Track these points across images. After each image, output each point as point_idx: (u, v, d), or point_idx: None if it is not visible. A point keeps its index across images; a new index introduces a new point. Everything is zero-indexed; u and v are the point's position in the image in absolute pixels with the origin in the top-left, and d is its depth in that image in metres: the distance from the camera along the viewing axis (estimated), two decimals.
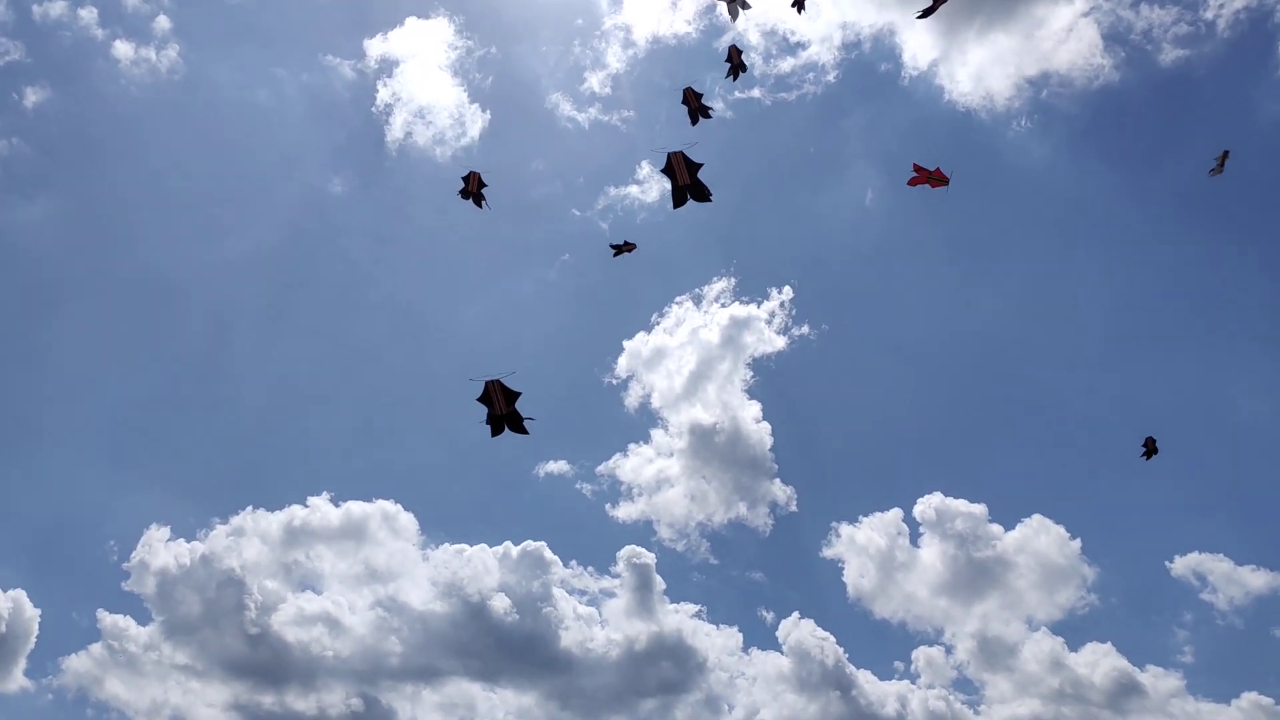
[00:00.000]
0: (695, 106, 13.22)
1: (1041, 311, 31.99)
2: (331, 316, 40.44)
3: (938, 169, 13.13)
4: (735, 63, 12.79)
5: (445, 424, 37.64)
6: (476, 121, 35.09)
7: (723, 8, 12.77)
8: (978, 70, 30.05)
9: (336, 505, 39.60)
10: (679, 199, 9.86)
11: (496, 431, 9.97)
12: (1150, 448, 14.38)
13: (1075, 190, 32.47)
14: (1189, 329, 29.55)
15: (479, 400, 9.99)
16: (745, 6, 12.67)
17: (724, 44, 27.69)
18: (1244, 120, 28.87)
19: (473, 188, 12.25)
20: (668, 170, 9.81)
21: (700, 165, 9.54)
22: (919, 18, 12.18)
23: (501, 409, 9.86)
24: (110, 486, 41.50)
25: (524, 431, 9.86)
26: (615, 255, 14.86)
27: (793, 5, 13.43)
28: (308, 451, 42.23)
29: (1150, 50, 27.93)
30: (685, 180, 9.77)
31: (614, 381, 35.53)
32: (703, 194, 9.78)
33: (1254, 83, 28.43)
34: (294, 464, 42.59)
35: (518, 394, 9.57)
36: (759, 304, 33.56)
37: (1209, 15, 26.24)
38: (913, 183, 13.40)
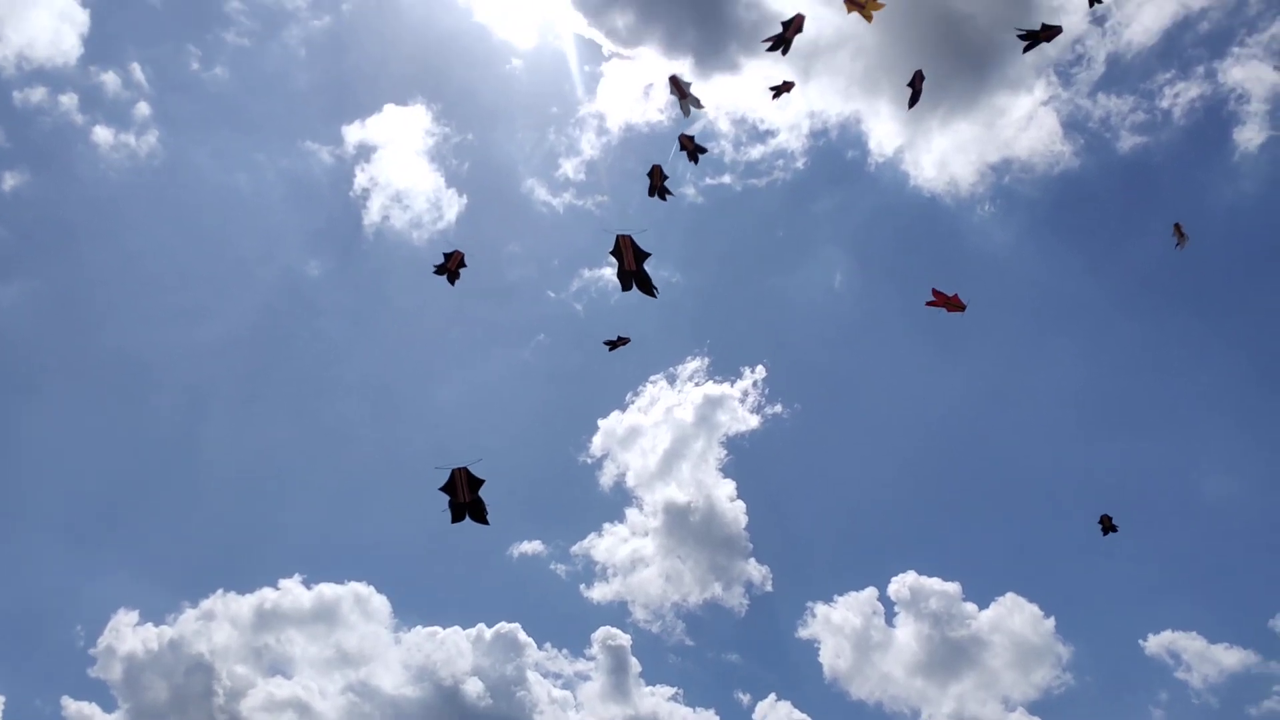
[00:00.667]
0: (658, 185, 13.66)
1: (1010, 391, 32.61)
2: (306, 397, 40.51)
3: (955, 295, 13.73)
4: (689, 149, 13.30)
5: (419, 505, 37.55)
6: (453, 205, 35.69)
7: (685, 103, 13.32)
8: (941, 157, 30.94)
9: (308, 588, 39.20)
10: (625, 283, 10.11)
11: (456, 519, 10.05)
12: (1106, 525, 14.70)
13: (1039, 272, 33.28)
14: (1155, 408, 30.18)
15: (443, 489, 10.06)
16: (698, 106, 13.20)
17: (693, 134, 28.41)
18: (1201, 204, 29.85)
19: (452, 266, 12.55)
20: (615, 252, 10.03)
21: (648, 255, 9.74)
22: (909, 107, 12.76)
23: (464, 497, 9.95)
24: (79, 570, 40.98)
25: (484, 521, 9.95)
26: (611, 350, 15.18)
27: (773, 96, 14.01)
28: (280, 533, 41.92)
29: (1108, 138, 28.96)
30: (631, 266, 9.96)
31: (588, 460, 35.65)
32: (647, 285, 9.93)
33: (1210, 168, 29.47)
34: (266, 546, 42.24)
35: (482, 481, 9.67)
36: (732, 383, 34.01)
37: (1164, 104, 27.27)
38: (930, 304, 14.02)
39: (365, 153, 41.27)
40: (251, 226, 44.26)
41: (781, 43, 11.66)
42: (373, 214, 39.99)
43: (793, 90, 13.67)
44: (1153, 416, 29.96)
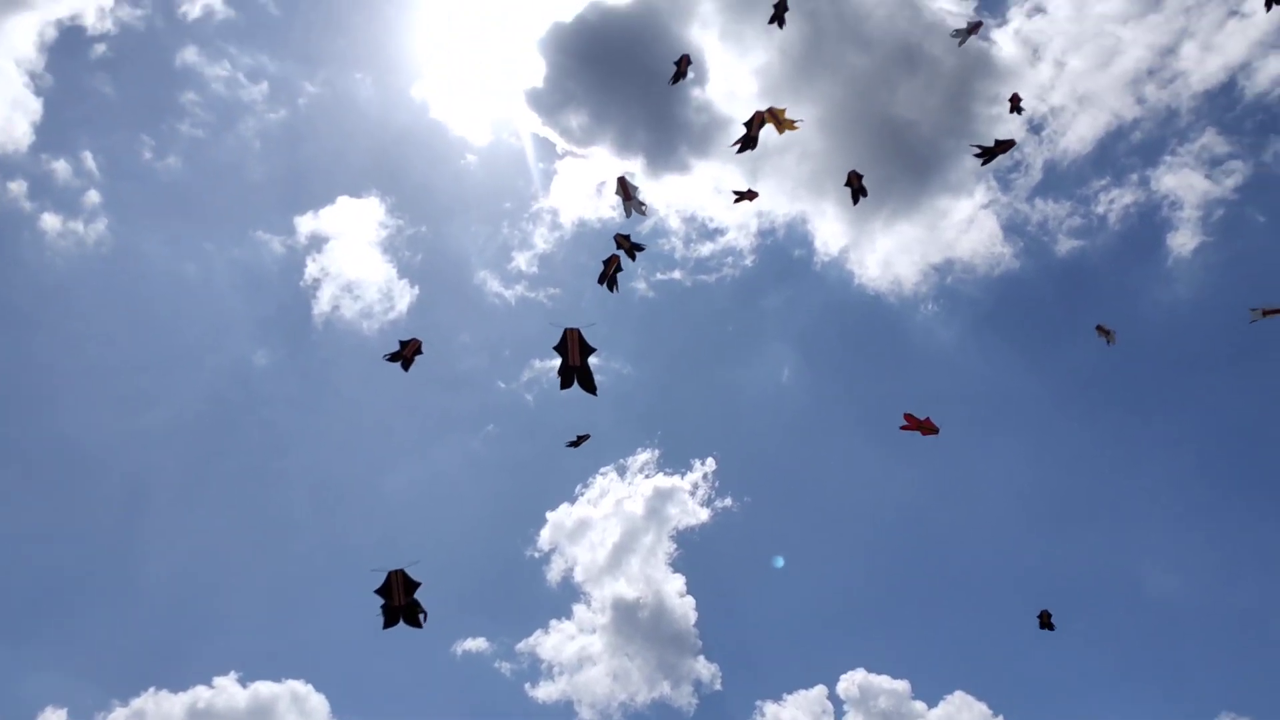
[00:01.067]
0: (610, 274, 13.83)
1: (955, 487, 32.98)
2: (249, 488, 39.78)
3: (928, 419, 14.17)
4: (625, 248, 13.55)
5: (361, 600, 36.67)
6: (405, 296, 35.76)
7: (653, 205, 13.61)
8: (885, 257, 31.70)
9: (244, 686, 37.90)
10: (566, 380, 9.92)
11: (389, 623, 9.81)
12: (1045, 621, 14.84)
13: (981, 370, 33.98)
14: (1096, 506, 30.64)
15: (378, 591, 9.80)
16: (640, 211, 13.51)
17: (646, 229, 28.83)
18: (1137, 307, 30.80)
19: (408, 353, 12.45)
20: (560, 347, 9.86)
21: (593, 350, 9.60)
22: (854, 203, 13.20)
23: (399, 601, 9.74)
24: (6, 667, 39.39)
25: (417, 625, 9.74)
26: (573, 447, 15.15)
27: (734, 202, 14.40)
28: (216, 629, 40.68)
29: (1047, 241, 29.90)
30: (575, 361, 9.78)
31: (536, 555, 35.27)
32: (588, 382, 9.81)
33: (1145, 272, 30.49)
34: (201, 642, 40.92)
35: (418, 584, 9.49)
36: (683, 474, 34.01)
37: (1100, 210, 28.27)
38: (904, 429, 14.43)
39: (317, 243, 41.29)
40: (199, 315, 43.90)
41: (749, 141, 11.99)
42: (323, 304, 39.82)
43: (755, 199, 14.09)
44: (1095, 514, 30.38)
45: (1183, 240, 27.96)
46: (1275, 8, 12.38)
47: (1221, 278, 29.35)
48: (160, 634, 42.04)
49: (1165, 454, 30.70)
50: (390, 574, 9.71)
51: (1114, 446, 31.05)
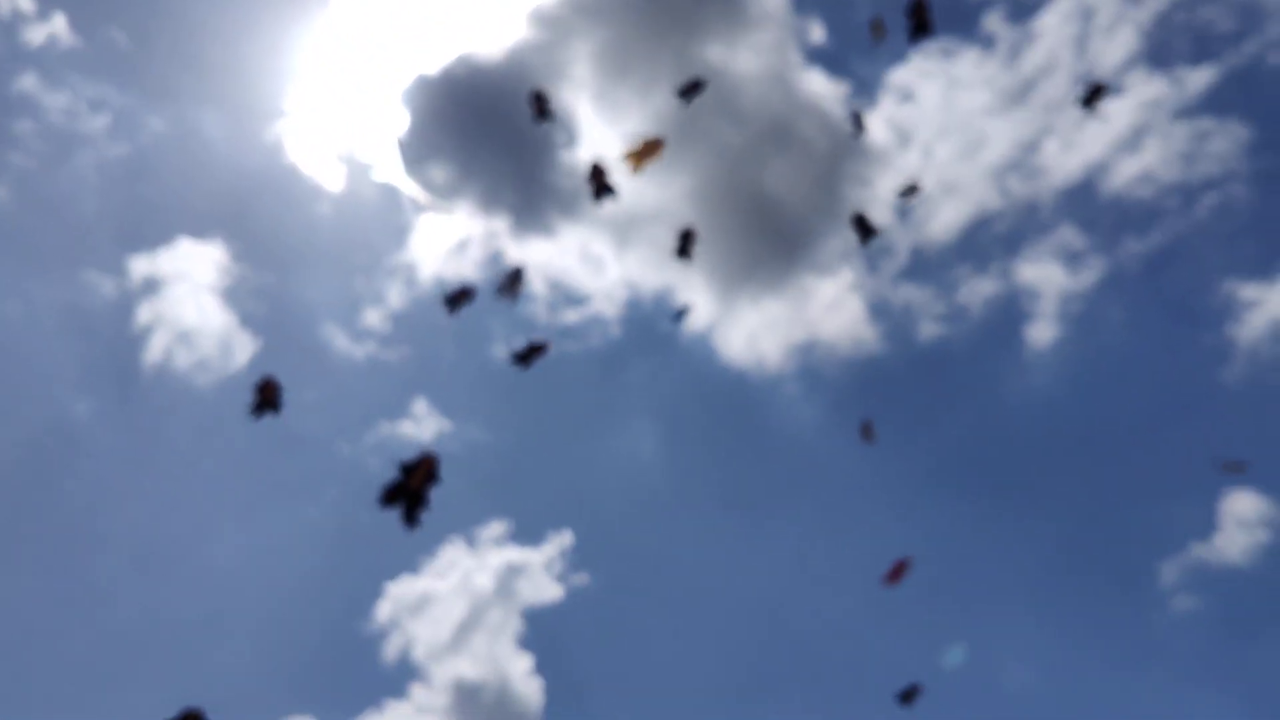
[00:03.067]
0: (527, 357, 12.74)
1: (811, 572, 32.84)
2: (59, 552, 36.68)
3: (904, 562, 14.06)
4: (513, 285, 12.64)
5: (182, 668, 34.09)
6: (246, 349, 33.83)
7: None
8: (750, 334, 31.66)
9: None
10: (392, 498, 8.46)
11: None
12: (907, 697, 14.44)
13: (840, 451, 34.13)
14: (954, 594, 30.86)
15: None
16: (512, 298, 12.68)
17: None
18: (995, 396, 31.49)
19: (268, 396, 10.90)
20: (409, 468, 8.28)
21: (438, 482, 8.28)
22: (678, 255, 12.81)
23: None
24: None
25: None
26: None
27: (679, 254, 13.77)
28: (23, 699, 37.09)
29: (909, 326, 30.35)
30: (417, 486, 8.38)
31: (373, 629, 33.36)
32: (415, 511, 8.44)
33: (1003, 361, 31.23)
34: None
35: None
36: (536, 547, 32.83)
37: (961, 299, 28.83)
38: (891, 578, 14.22)
39: (152, 286, 38.87)
40: (14, 358, 40.76)
41: (602, 188, 11.24)
42: (154, 352, 37.38)
43: (611, 193, 13.48)
44: (949, 602, 30.57)
45: (1040, 333, 28.74)
46: (1094, 108, 12.63)
47: (1076, 371, 30.28)
48: None
49: (1019, 544, 31.21)
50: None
51: (969, 535, 31.41)
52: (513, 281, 12.47)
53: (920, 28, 11.42)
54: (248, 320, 37.10)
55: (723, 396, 37.09)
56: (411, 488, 7.80)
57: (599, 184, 11.87)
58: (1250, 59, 29.42)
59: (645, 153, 11.83)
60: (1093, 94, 12.89)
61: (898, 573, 13.82)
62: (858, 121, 13.68)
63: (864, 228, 12.43)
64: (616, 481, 37.22)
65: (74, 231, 38.03)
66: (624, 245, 31.55)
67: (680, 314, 13.89)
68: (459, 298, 12.51)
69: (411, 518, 7.89)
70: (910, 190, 14.24)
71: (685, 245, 12.47)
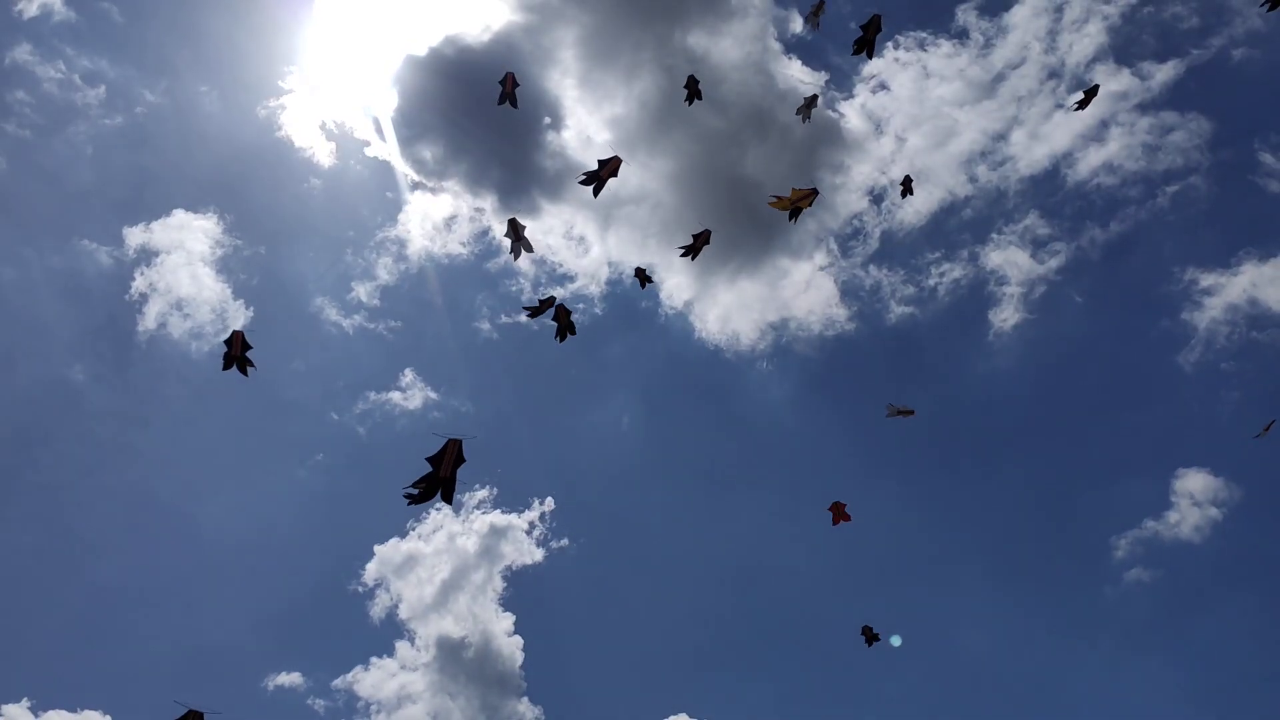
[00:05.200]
0: (538, 311, 13.55)
1: (781, 540, 33.91)
2: (56, 505, 37.45)
3: (842, 511, 15.11)
4: (516, 236, 13.24)
5: (172, 624, 34.95)
6: (238, 318, 34.57)
7: (506, 243, 13.43)
8: (725, 312, 32.60)
9: (36, 715, 35.40)
10: (430, 492, 8.98)
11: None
12: (869, 636, 15.62)
13: (810, 425, 35.17)
14: (913, 563, 32.00)
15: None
16: (529, 249, 13.43)
17: (494, 270, 28.87)
18: (960, 375, 32.51)
19: (235, 351, 11.50)
20: (436, 457, 8.75)
21: (465, 461, 8.73)
22: (682, 255, 13.54)
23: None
24: None
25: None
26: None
27: (642, 285, 14.60)
28: (9, 652, 37.92)
29: (879, 307, 31.31)
30: (447, 473, 8.93)
31: (360, 589, 34.35)
32: (449, 493, 9.03)
33: (969, 343, 32.21)
34: None
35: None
36: (520, 513, 33.81)
37: (931, 282, 29.81)
38: (836, 514, 15.28)
39: (146, 257, 39.53)
40: (12, 322, 41.40)
41: (596, 180, 12.05)
42: (149, 320, 38.10)
43: (651, 280, 14.31)
44: (911, 571, 31.72)
45: (1005, 316, 29.69)
46: (1088, 107, 13.40)
47: (1039, 353, 31.27)
48: None
49: (979, 516, 32.28)
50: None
51: (931, 507, 32.48)
52: (516, 236, 13.12)
53: (864, 44, 12.20)
54: (240, 290, 37.61)
55: (699, 372, 38.02)
56: (443, 475, 8.53)
57: (601, 175, 12.54)
58: (1214, 56, 30.27)
59: (799, 200, 12.63)
60: (1086, 96, 13.79)
61: (838, 513, 14.81)
62: (809, 105, 14.46)
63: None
64: (597, 451, 38.11)
65: (70, 201, 38.37)
66: (607, 226, 32.35)
67: (643, 276, 14.64)
68: (542, 307, 13.18)
69: (449, 498, 8.75)
70: (906, 187, 15.08)
71: (695, 247, 13.22)
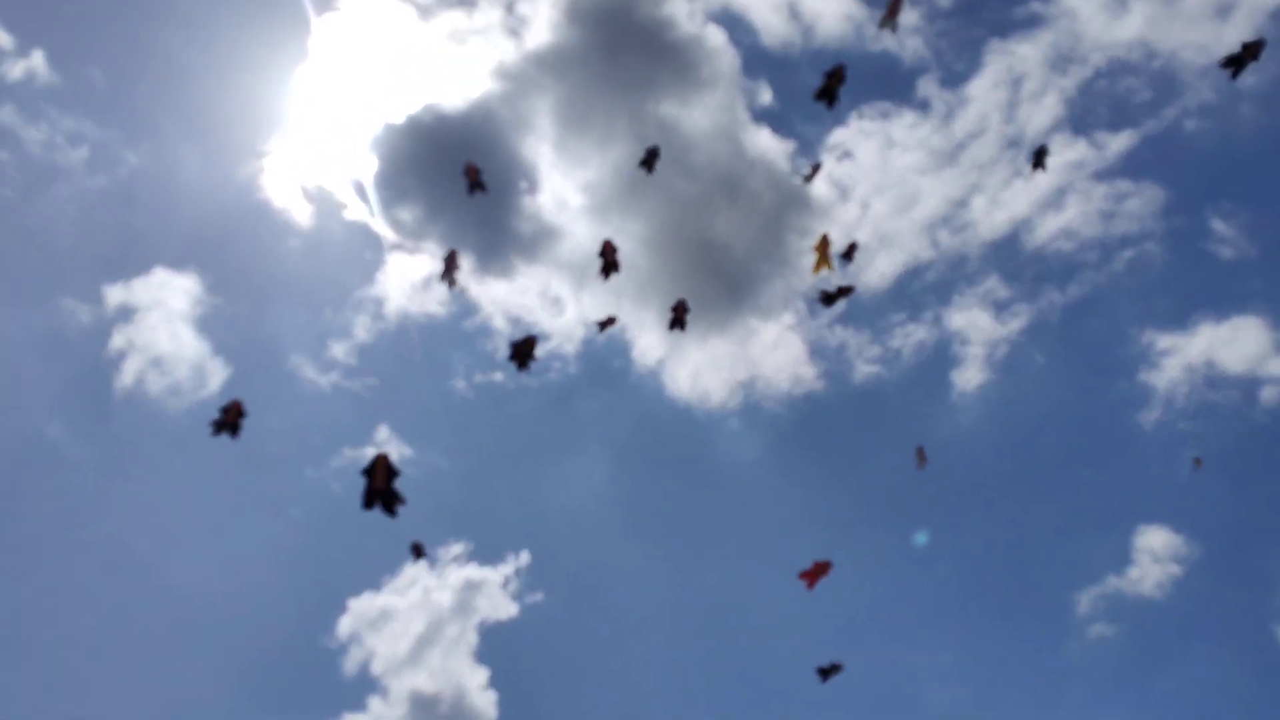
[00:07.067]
0: (521, 352, 13.49)
1: (752, 595, 34.23)
2: (35, 567, 37.31)
3: (820, 568, 15.13)
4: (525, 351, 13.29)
5: (144, 680, 34.76)
6: (218, 376, 34.91)
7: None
8: (696, 370, 33.31)
9: None
10: (370, 500, 9.49)
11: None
12: (826, 672, 15.85)
13: (779, 482, 35.74)
14: (880, 619, 32.35)
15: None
16: (452, 283, 13.61)
17: (471, 330, 29.42)
18: (924, 435, 33.18)
19: (231, 417, 11.82)
20: (369, 470, 9.37)
21: (399, 474, 9.30)
22: (669, 329, 13.85)
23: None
24: None
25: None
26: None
27: (600, 329, 14.51)
28: None
29: (845, 367, 32.07)
30: (381, 485, 9.44)
31: (332, 644, 34.27)
32: (391, 503, 9.55)
33: (932, 402, 32.96)
34: None
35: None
36: (495, 566, 33.97)
37: (895, 344, 30.64)
38: (808, 578, 15.22)
39: (126, 314, 39.84)
40: None
41: (519, 356, 12.60)
42: (126, 377, 38.31)
43: (615, 323, 14.45)
44: (881, 626, 32.08)
45: (968, 377, 30.45)
46: (1042, 170, 14.11)
47: (1001, 412, 31.96)
48: None
49: (943, 573, 32.71)
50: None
51: (896, 563, 32.89)
52: (525, 349, 13.44)
53: (827, 92, 12.82)
54: (220, 348, 37.94)
55: (671, 429, 38.56)
56: (379, 487, 9.02)
57: (608, 260, 13.01)
58: (1166, 126, 31.52)
59: (817, 572, 13.22)
60: (1039, 156, 14.52)
61: (816, 574, 15.06)
62: (813, 172, 15.12)
63: (829, 296, 13.83)
64: (572, 506, 38.43)
65: (51, 259, 38.72)
66: (581, 286, 33.02)
67: (603, 324, 14.97)
68: (526, 349, 13.34)
69: (391, 510, 9.21)
70: (849, 251, 15.77)
71: (679, 317, 13.79)
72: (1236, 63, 12.07)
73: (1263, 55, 12.18)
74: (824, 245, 13.50)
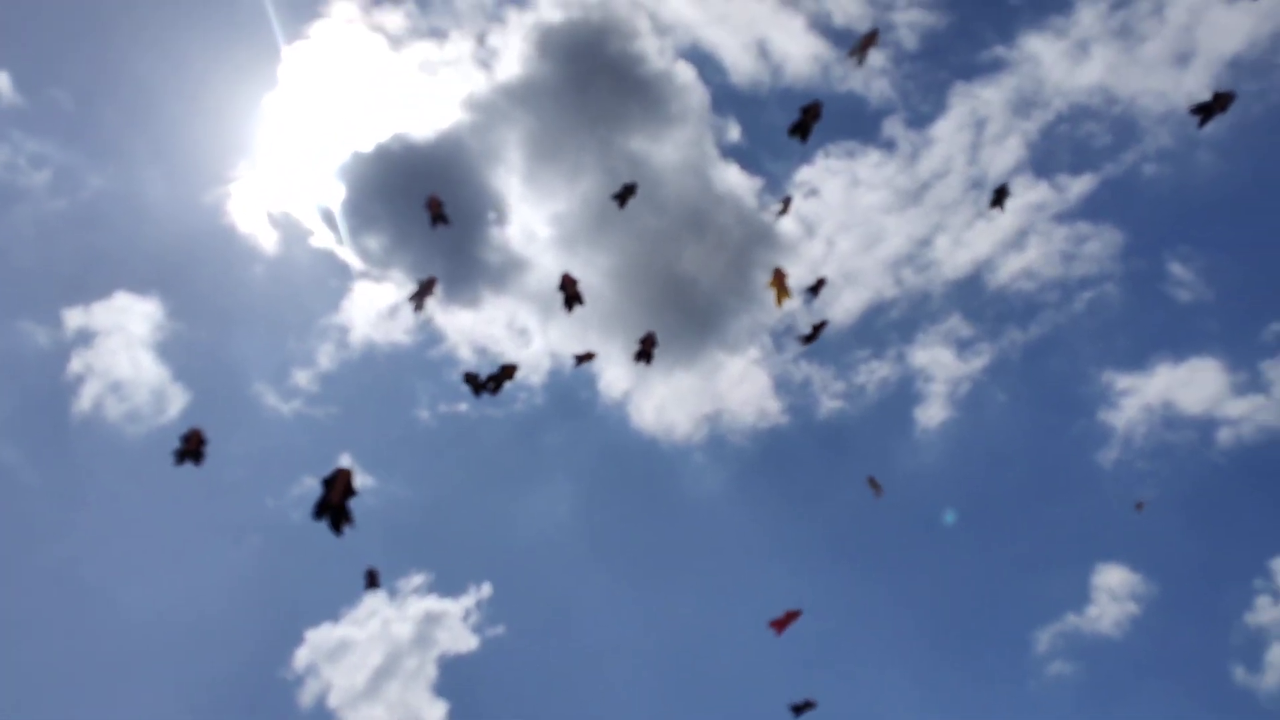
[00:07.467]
0: (498, 381, 13.25)
1: (713, 624, 34.21)
2: None
3: (791, 615, 14.94)
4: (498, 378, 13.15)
5: (96, 710, 34.12)
6: (177, 402, 34.51)
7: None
8: (661, 403, 33.40)
9: None
10: (321, 511, 9.33)
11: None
12: (798, 709, 15.75)
13: (742, 515, 35.85)
14: (844, 654, 32.40)
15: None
16: (419, 309, 13.51)
17: (437, 359, 29.35)
18: (885, 469, 33.40)
19: (193, 445, 11.62)
20: (328, 482, 9.24)
21: (356, 494, 9.13)
22: (635, 361, 13.87)
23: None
24: None
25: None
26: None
27: (576, 364, 14.40)
28: None
29: (810, 402, 32.29)
30: (336, 499, 9.27)
31: (289, 676, 33.78)
32: (340, 523, 9.37)
33: (895, 438, 33.25)
34: None
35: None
36: (456, 598, 33.67)
37: (860, 380, 30.90)
38: (778, 625, 15.01)
39: (85, 338, 39.34)
40: None
41: (572, 299, 12.63)
42: (84, 402, 37.79)
43: (594, 358, 14.36)
44: (841, 662, 32.18)
45: (931, 413, 30.73)
46: (1000, 210, 14.22)
47: (963, 449, 32.24)
48: None
49: (903, 609, 32.84)
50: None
51: (857, 599, 33.01)
52: (503, 375, 13.40)
53: (802, 128, 12.92)
54: (180, 374, 37.48)
55: (635, 461, 38.57)
56: (333, 502, 8.84)
57: (570, 294, 12.99)
58: (1125, 171, 32.15)
59: (787, 620, 13.30)
60: (999, 195, 14.75)
61: (785, 621, 15.10)
62: (785, 206, 15.28)
63: (808, 337, 13.94)
64: (535, 538, 38.23)
65: (10, 281, 38.22)
66: (548, 318, 33.06)
67: (580, 359, 14.99)
68: (506, 375, 13.18)
69: (337, 528, 8.96)
70: (816, 286, 15.98)
71: (646, 350, 13.81)
72: (1206, 110, 12.34)
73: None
74: (779, 279, 13.64)
